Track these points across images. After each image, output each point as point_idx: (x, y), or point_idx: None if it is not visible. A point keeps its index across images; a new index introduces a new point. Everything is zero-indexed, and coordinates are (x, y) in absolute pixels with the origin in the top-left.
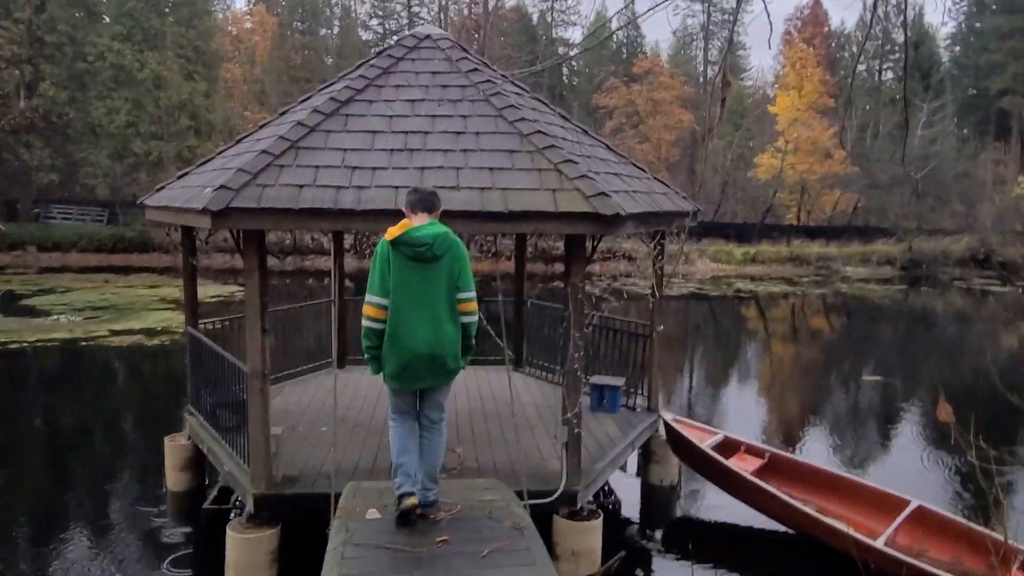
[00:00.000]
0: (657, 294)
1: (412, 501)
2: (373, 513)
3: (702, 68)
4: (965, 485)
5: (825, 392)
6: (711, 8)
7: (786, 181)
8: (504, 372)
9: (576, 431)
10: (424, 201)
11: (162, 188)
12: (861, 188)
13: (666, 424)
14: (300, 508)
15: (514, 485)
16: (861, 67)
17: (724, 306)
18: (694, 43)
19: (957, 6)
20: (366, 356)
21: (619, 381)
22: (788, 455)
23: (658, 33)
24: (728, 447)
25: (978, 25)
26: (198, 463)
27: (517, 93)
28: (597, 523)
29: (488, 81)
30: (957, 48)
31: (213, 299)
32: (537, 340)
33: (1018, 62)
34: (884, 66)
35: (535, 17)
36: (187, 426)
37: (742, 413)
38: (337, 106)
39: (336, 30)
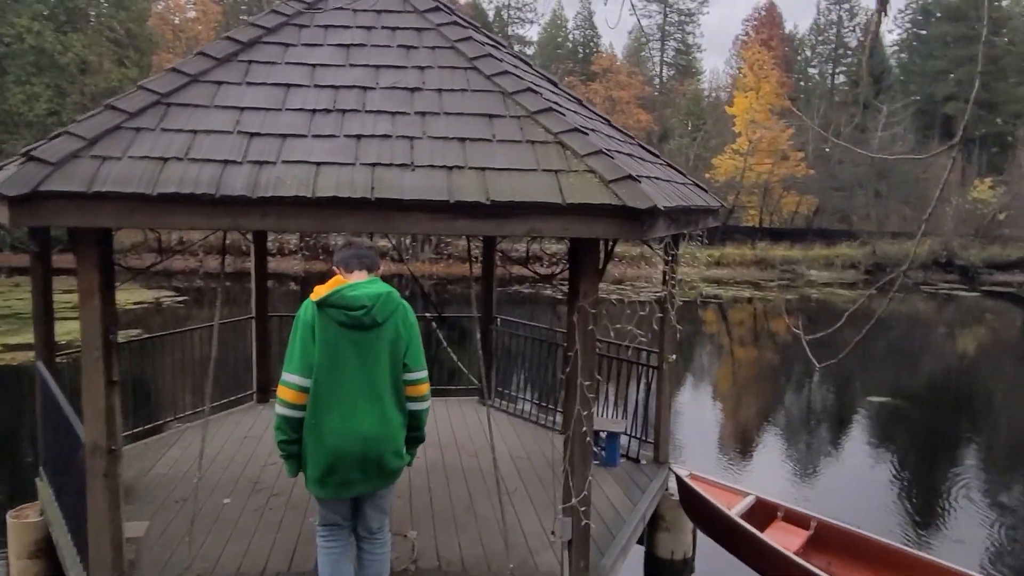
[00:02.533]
0: (670, 313)
1: None
2: None
3: (658, 69)
4: None
5: (837, 422)
6: (668, 9)
7: (745, 183)
8: (471, 406)
9: (584, 523)
10: (362, 257)
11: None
12: (821, 190)
13: (679, 481)
14: None
15: None
16: (814, 70)
17: (691, 314)
18: (649, 44)
19: (903, 14)
20: (280, 453)
21: (619, 426)
22: (841, 525)
23: (612, 35)
24: (762, 513)
25: (924, 32)
26: (53, 547)
27: (493, 44)
28: None
29: (454, 23)
30: (904, 55)
31: (135, 306)
32: (507, 364)
33: (962, 69)
34: (837, 70)
35: (491, 14)
36: (40, 496)
37: (742, 453)
38: (236, 49)
39: None
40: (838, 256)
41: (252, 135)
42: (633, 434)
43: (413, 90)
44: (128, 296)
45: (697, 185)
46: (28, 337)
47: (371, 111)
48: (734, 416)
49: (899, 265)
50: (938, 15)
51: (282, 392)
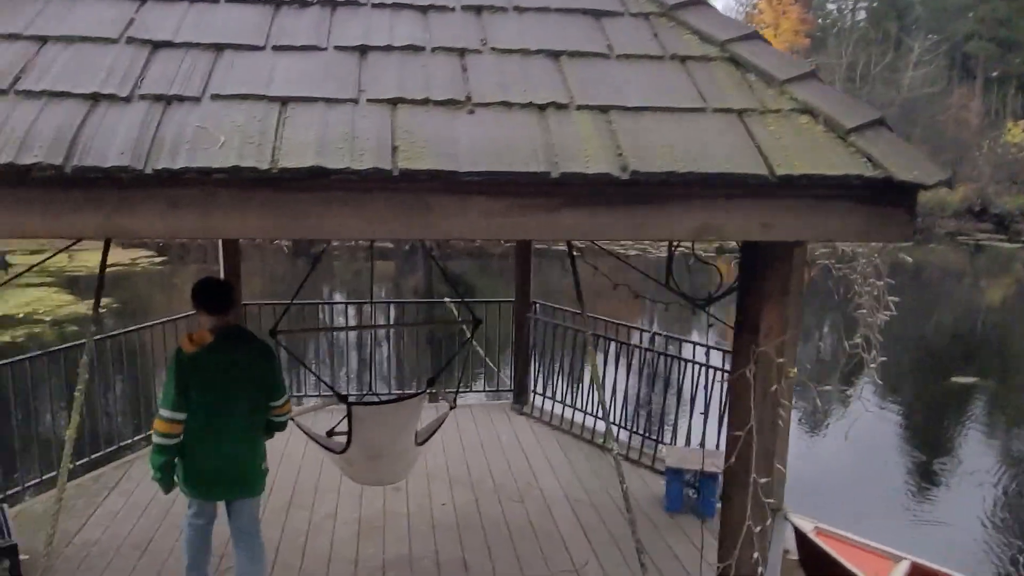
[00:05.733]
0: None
1: None
2: None
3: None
4: None
5: (933, 422)
6: None
7: None
8: (503, 413)
9: None
10: (222, 298)
11: None
12: None
13: (800, 537)
14: None
15: None
16: (832, 6)
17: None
18: None
19: None
20: (154, 475)
21: (718, 461)
22: None
23: None
24: None
25: None
26: None
27: None
28: None
29: None
30: None
31: (107, 269)
32: (547, 359)
33: (985, 5)
34: (858, 5)
35: None
36: None
37: (883, 491)
38: None
39: None
40: None
41: (156, 46)
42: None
43: None
44: (99, 257)
45: None
46: None
47: (383, 3)
48: (861, 432)
49: (932, 214)
50: None
51: (158, 425)
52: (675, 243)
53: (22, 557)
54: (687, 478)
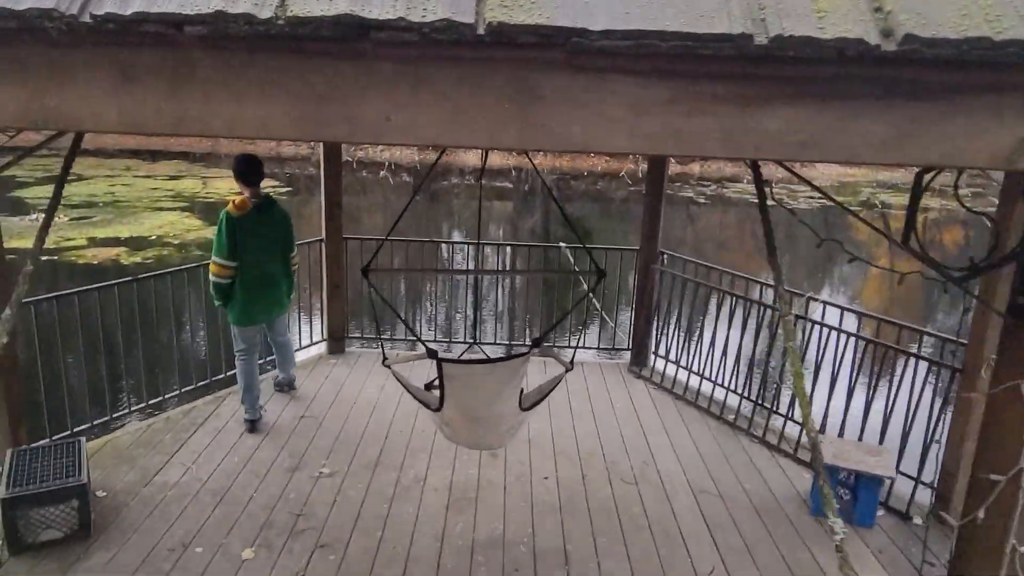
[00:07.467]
0: None
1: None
2: None
3: None
4: None
5: None
6: None
7: None
8: (617, 375)
9: None
10: (257, 171)
11: None
12: None
13: None
14: None
15: None
16: None
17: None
18: None
19: None
20: (216, 302)
21: (882, 463)
22: None
23: None
24: None
25: None
26: None
27: None
28: None
29: None
30: None
31: (221, 198)
32: (671, 317)
33: None
34: None
35: None
36: None
37: None
38: None
39: None
40: None
41: None
42: (899, 469)
43: None
44: (231, 184)
45: None
46: (117, 230)
47: None
48: None
49: None
50: None
51: (214, 268)
52: (928, 176)
53: (99, 493)
54: (841, 476)
